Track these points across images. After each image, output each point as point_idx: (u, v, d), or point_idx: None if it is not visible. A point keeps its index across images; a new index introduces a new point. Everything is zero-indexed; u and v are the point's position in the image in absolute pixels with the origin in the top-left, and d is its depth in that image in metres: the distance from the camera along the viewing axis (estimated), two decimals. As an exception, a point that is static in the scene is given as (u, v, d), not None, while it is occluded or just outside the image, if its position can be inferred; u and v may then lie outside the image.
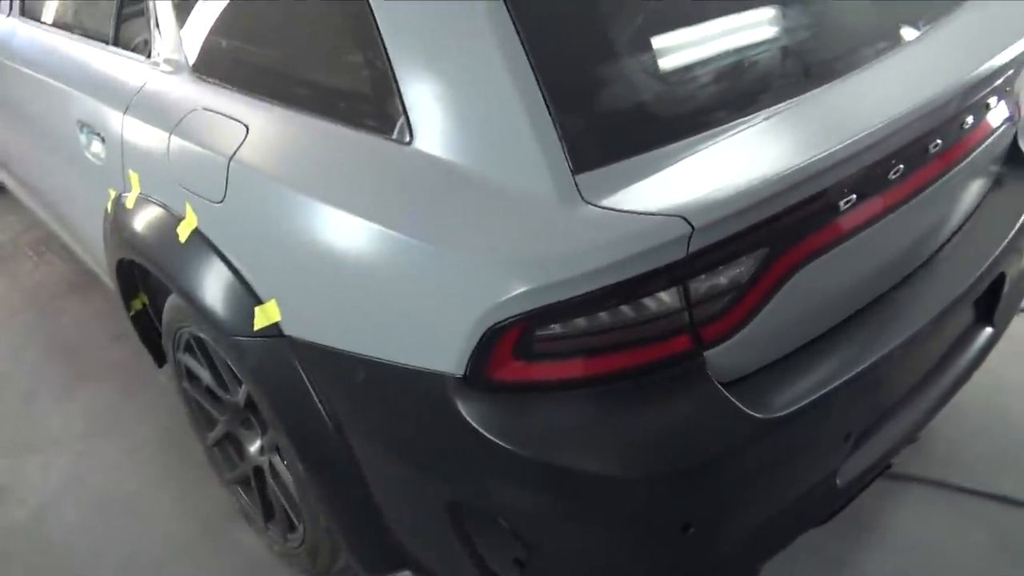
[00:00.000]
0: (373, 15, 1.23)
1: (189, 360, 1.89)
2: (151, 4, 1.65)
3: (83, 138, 1.79)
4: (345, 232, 1.22)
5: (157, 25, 1.63)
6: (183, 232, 1.48)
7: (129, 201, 1.62)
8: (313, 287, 1.31)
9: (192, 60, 1.57)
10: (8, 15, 2.25)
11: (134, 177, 1.62)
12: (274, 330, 1.38)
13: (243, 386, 1.69)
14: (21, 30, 2.16)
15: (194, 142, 1.46)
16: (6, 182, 2.94)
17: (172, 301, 1.79)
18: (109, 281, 2.21)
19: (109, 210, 1.73)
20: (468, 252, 1.10)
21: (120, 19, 1.81)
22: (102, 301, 3.01)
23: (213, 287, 1.45)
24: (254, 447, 1.89)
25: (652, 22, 1.24)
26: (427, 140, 1.18)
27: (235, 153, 1.37)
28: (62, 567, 2.00)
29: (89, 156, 1.79)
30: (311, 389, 1.37)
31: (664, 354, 1.14)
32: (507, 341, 1.10)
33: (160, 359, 2.13)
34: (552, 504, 1.18)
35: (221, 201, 1.39)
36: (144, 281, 1.97)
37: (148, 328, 2.08)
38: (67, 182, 1.95)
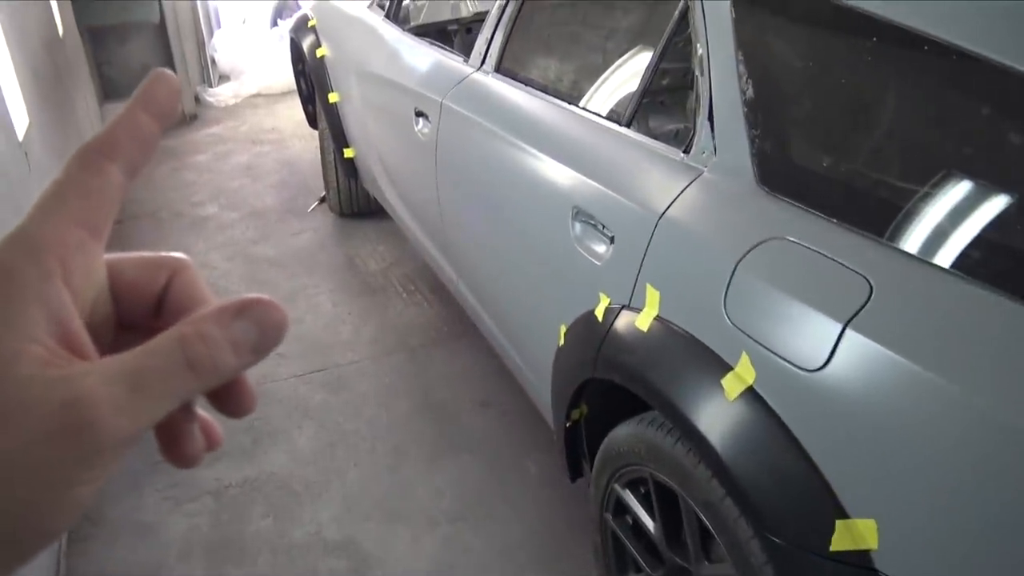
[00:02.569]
0: None
1: (629, 497, 1.60)
2: (706, 92, 1.37)
3: (577, 227, 1.56)
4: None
5: (710, 118, 1.35)
6: (731, 388, 1.16)
7: (641, 321, 1.35)
8: (953, 522, 0.93)
9: (763, 170, 1.26)
10: (479, 69, 2.12)
11: (653, 294, 1.34)
12: (860, 559, 1.01)
13: (716, 565, 1.36)
14: (497, 88, 2.01)
15: (780, 285, 1.14)
16: (405, 221, 2.90)
17: (633, 435, 1.51)
18: (532, 377, 1.99)
19: (599, 318, 1.48)
20: None
21: (642, 100, 1.57)
22: (470, 360, 2.87)
23: (767, 471, 1.12)
24: (687, 624, 1.55)
25: None
26: None
27: (855, 316, 1.03)
28: None
29: (580, 250, 1.55)
30: (903, 658, 0.98)
31: None
32: None
33: (575, 473, 1.86)
34: None
35: (816, 371, 1.05)
36: (586, 391, 1.71)
37: (573, 438, 1.82)
38: (532, 267, 1.75)
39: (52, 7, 4.23)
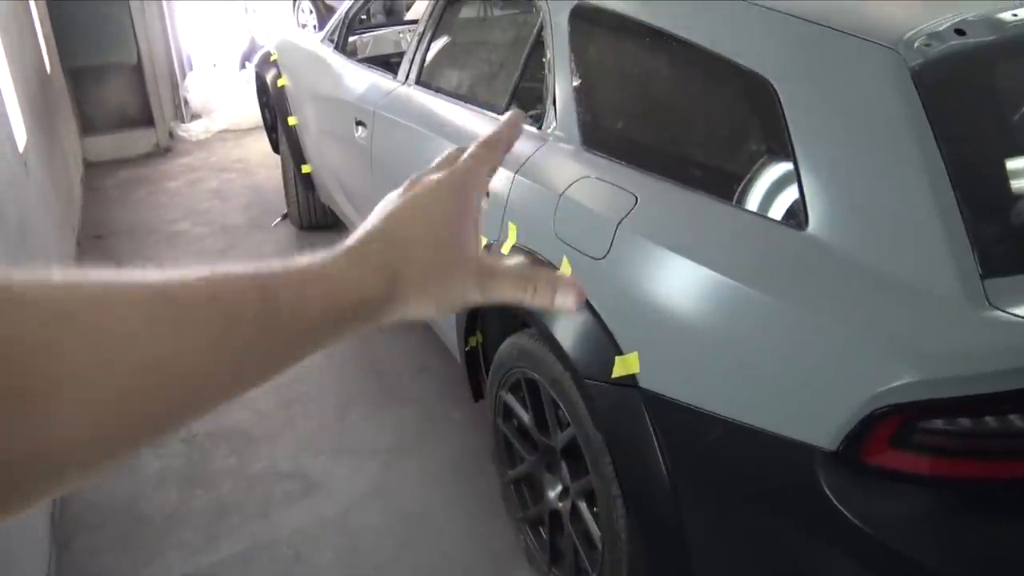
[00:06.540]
0: (781, 108, 1.36)
1: (511, 399, 2.08)
2: (552, 85, 1.90)
3: (466, 191, 2.07)
4: (726, 299, 1.33)
5: (554, 103, 1.88)
6: (556, 281, 1.66)
7: (504, 248, 1.85)
8: (681, 345, 1.42)
9: (584, 135, 1.78)
10: (404, 83, 2.66)
11: (512, 228, 1.85)
12: (630, 380, 1.51)
13: (565, 431, 1.83)
14: (416, 96, 2.55)
15: (584, 205, 1.65)
16: (352, 221, 3.39)
17: (510, 343, 2.00)
18: (443, 323, 2.49)
19: (480, 254, 1.98)
20: (862, 333, 1.16)
21: (514, 95, 2.10)
22: (413, 337, 3.35)
23: (577, 333, 1.62)
24: (554, 491, 2.02)
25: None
26: (822, 228, 1.27)
27: (624, 218, 1.54)
28: (366, 562, 2.23)
29: (468, 206, 2.06)
30: (656, 442, 1.47)
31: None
32: (888, 427, 1.14)
33: (477, 394, 2.34)
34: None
35: (602, 258, 1.56)
36: (483, 323, 2.21)
37: (473, 365, 2.30)
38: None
39: (41, 47, 4.72)
